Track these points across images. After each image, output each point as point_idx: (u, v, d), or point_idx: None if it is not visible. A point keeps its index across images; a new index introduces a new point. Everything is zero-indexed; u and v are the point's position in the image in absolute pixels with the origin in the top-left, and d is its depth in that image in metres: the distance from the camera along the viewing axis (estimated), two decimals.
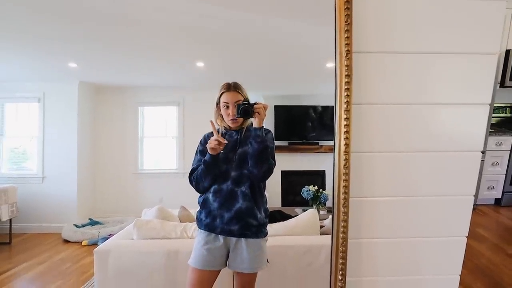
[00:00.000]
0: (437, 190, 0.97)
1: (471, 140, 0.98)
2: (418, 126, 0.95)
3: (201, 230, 1.44)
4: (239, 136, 1.43)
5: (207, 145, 1.33)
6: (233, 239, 1.40)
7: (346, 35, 0.83)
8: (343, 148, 0.86)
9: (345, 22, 0.81)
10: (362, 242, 0.95)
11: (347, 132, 0.86)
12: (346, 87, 0.84)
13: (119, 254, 1.97)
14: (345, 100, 0.86)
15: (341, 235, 0.86)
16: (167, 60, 3.09)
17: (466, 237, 0.98)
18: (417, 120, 0.95)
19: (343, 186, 0.85)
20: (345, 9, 0.82)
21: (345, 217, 0.86)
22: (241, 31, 2.34)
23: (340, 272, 0.88)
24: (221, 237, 1.40)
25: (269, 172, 1.39)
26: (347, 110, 0.86)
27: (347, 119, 0.86)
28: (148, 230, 2.08)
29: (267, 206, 1.51)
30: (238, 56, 2.90)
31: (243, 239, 1.39)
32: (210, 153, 1.34)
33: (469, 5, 0.90)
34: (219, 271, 1.44)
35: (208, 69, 3.24)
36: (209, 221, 1.40)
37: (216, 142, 1.31)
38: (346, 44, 0.83)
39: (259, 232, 1.43)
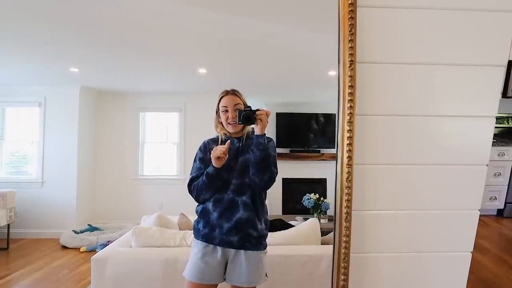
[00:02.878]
0: (441, 204, 0.95)
1: (476, 153, 0.96)
2: (423, 139, 0.93)
3: (198, 241, 1.38)
4: (240, 144, 1.39)
5: (212, 155, 1.28)
6: (232, 251, 1.35)
7: (350, 45, 0.81)
8: (346, 160, 0.84)
9: (349, 32, 0.80)
10: (365, 256, 0.92)
11: (350, 144, 0.84)
12: (349, 98, 0.83)
13: (117, 261, 1.94)
14: (349, 112, 0.84)
15: (343, 250, 0.84)
16: (169, 66, 3.09)
17: (471, 252, 0.96)
18: (421, 132, 0.93)
19: (346, 200, 0.83)
20: (349, 18, 0.81)
21: (347, 232, 0.84)
22: (244, 38, 2.34)
23: None
24: (219, 249, 1.35)
25: (271, 181, 1.34)
26: (350, 122, 0.84)
27: (350, 131, 0.84)
28: (147, 237, 2.05)
29: (268, 217, 1.46)
30: (241, 63, 2.90)
31: (242, 251, 1.34)
32: (214, 165, 1.29)
33: (476, 16, 0.89)
34: (217, 285, 1.38)
35: (210, 75, 3.24)
36: (207, 231, 1.35)
37: (223, 150, 1.25)
38: (350, 54, 0.82)
39: (259, 244, 1.38)
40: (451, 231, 0.96)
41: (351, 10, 0.78)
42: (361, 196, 0.90)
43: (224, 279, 1.39)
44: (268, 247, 2.04)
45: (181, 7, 1.90)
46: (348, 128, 0.84)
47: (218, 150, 1.26)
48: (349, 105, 0.83)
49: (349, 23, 0.80)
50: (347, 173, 0.83)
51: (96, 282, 1.93)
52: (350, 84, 0.83)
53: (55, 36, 2.35)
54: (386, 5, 0.87)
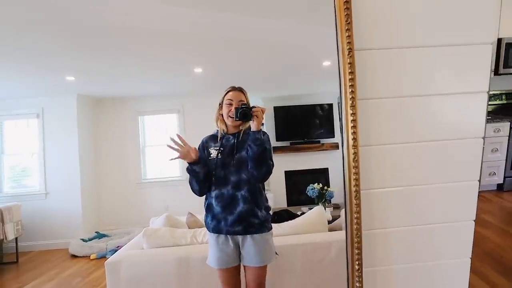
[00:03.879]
0: (443, 177, 1.01)
1: (472, 127, 1.01)
2: (421, 117, 0.98)
3: (210, 233, 1.53)
4: (235, 140, 1.48)
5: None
6: (240, 237, 1.48)
7: (347, 34, 0.86)
8: (351, 142, 0.89)
9: (346, 21, 0.84)
10: (375, 232, 0.97)
11: (354, 127, 0.89)
12: (350, 83, 0.88)
13: (131, 264, 1.97)
14: (350, 96, 0.89)
15: (355, 226, 0.89)
16: (165, 68, 3.09)
17: (474, 220, 1.01)
18: (419, 111, 0.98)
19: (354, 179, 0.88)
20: (344, 9, 0.85)
21: (358, 208, 0.89)
22: (237, 34, 2.35)
23: (357, 262, 0.91)
24: (229, 237, 1.49)
25: (268, 173, 1.45)
26: (353, 106, 0.89)
27: (353, 114, 0.89)
28: (158, 238, 2.08)
29: (268, 204, 1.57)
30: (236, 60, 2.92)
31: (249, 236, 1.47)
32: (186, 161, 1.45)
33: None
34: (238, 265, 1.53)
35: (206, 74, 3.26)
36: (215, 224, 1.49)
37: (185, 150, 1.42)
38: (348, 42, 0.87)
39: (263, 227, 1.49)
40: (453, 202, 1.02)
41: (346, 1, 0.82)
42: (368, 176, 0.95)
43: (240, 261, 1.53)
44: (277, 238, 2.09)
45: (172, 8, 1.91)
46: (351, 111, 0.89)
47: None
48: (350, 90, 0.88)
49: (345, 13, 0.84)
50: (353, 154, 0.89)
51: (111, 286, 1.97)
52: (350, 70, 0.88)
53: (50, 46, 2.35)
54: None
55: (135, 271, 1.97)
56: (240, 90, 1.53)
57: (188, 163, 1.46)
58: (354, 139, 0.89)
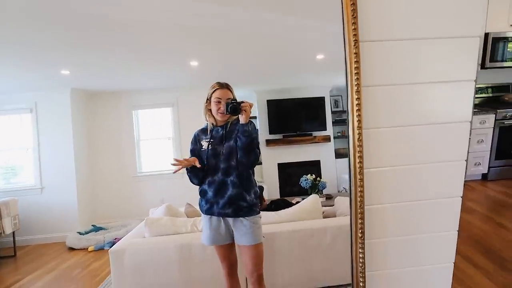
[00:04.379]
0: (434, 157, 1.12)
1: (460, 112, 1.12)
2: (415, 103, 1.09)
3: (204, 215, 1.69)
4: (224, 131, 1.62)
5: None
6: (231, 219, 1.63)
7: (353, 27, 0.96)
8: (356, 124, 1.01)
9: (352, 15, 0.94)
10: (372, 208, 1.08)
11: (358, 110, 1.01)
12: (356, 71, 0.99)
13: (134, 252, 2.04)
14: (356, 83, 1.00)
15: (358, 199, 1.00)
16: (160, 62, 3.11)
17: (461, 197, 1.12)
18: (413, 97, 1.09)
19: (358, 157, 1.00)
20: (351, 4, 0.95)
21: (361, 183, 1.00)
22: (233, 28, 2.39)
23: (360, 231, 1.01)
24: (221, 218, 1.64)
25: (256, 160, 1.61)
26: (358, 91, 1.00)
27: (358, 99, 1.00)
28: (160, 227, 2.15)
29: (257, 188, 1.71)
30: (230, 54, 2.96)
31: (239, 219, 1.61)
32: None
33: None
34: (231, 244, 1.69)
35: (202, 67, 3.28)
36: (208, 207, 1.64)
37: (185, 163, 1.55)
38: (354, 34, 0.97)
39: (251, 211, 1.63)
40: (443, 180, 1.14)
41: None
42: (367, 156, 1.05)
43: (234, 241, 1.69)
44: (275, 225, 2.18)
45: (168, 0, 1.95)
46: (356, 97, 1.01)
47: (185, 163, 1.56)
48: (355, 77, 0.99)
49: (352, 8, 0.94)
50: (358, 134, 1.01)
51: (115, 273, 2.03)
52: (355, 60, 0.99)
53: (44, 39, 2.35)
54: None
55: (138, 258, 2.04)
56: (227, 87, 1.65)
57: (187, 169, 1.61)
58: (359, 121, 1.01)
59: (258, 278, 1.64)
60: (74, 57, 2.81)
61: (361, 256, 1.03)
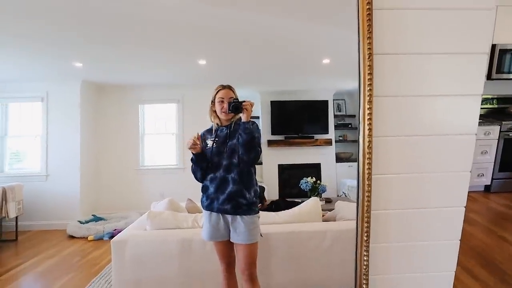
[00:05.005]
0: (440, 167, 1.17)
1: (466, 125, 1.16)
2: (423, 114, 1.14)
3: (204, 210, 1.73)
4: (228, 131, 1.68)
5: (186, 145, 1.62)
6: (229, 216, 1.66)
7: (368, 41, 1.01)
8: (367, 132, 1.07)
9: (368, 30, 0.98)
10: (377, 213, 1.10)
11: (370, 119, 1.06)
12: (369, 82, 1.05)
13: (136, 243, 2.07)
14: (368, 94, 1.06)
15: (366, 203, 1.03)
16: (168, 58, 3.17)
17: (465, 207, 1.14)
18: (422, 109, 1.14)
19: (367, 163, 1.04)
20: (367, 20, 1.00)
21: (369, 188, 1.04)
22: (242, 29, 2.44)
23: (366, 235, 1.04)
24: (220, 215, 1.68)
25: (257, 157, 1.65)
26: (370, 101, 1.06)
27: (370, 108, 1.06)
28: (161, 220, 2.18)
29: (257, 187, 1.75)
30: (238, 54, 2.99)
31: (238, 217, 1.65)
32: (192, 152, 1.65)
33: (463, 14, 1.10)
34: (229, 241, 1.71)
35: (209, 66, 3.32)
36: (209, 203, 1.68)
37: (191, 142, 1.61)
38: (369, 48, 1.02)
39: (250, 209, 1.66)
40: (447, 189, 1.17)
41: (369, 13, 0.95)
42: (375, 163, 1.07)
43: (230, 239, 1.71)
44: (275, 226, 2.19)
45: (183, 0, 1.98)
46: (368, 106, 1.06)
47: (189, 141, 1.62)
48: (368, 88, 1.05)
49: (367, 24, 0.99)
50: (368, 141, 1.07)
51: (116, 263, 2.06)
52: (369, 71, 1.04)
53: (60, 32, 2.41)
54: (395, 6, 1.07)
55: (139, 250, 2.06)
56: (229, 87, 1.73)
57: (194, 154, 1.66)
58: (370, 129, 1.06)
59: (249, 276, 1.67)
60: (88, 50, 2.89)
61: (365, 259, 1.06)
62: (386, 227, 1.11)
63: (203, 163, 1.67)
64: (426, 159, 1.13)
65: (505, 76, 3.89)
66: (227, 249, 1.75)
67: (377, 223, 1.11)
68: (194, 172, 1.71)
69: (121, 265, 2.05)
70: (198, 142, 1.64)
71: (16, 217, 3.43)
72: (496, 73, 3.83)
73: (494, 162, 4.07)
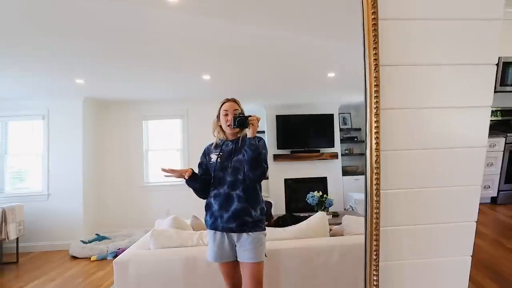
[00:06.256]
0: (450, 181, 1.12)
1: (476, 137, 1.13)
2: (432, 127, 1.11)
3: (209, 230, 1.67)
4: (233, 146, 1.62)
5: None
6: (235, 235, 1.60)
7: (374, 52, 0.99)
8: (374, 146, 1.02)
9: (373, 41, 0.96)
10: (387, 230, 1.06)
11: (377, 132, 1.02)
12: (375, 94, 1.01)
13: (139, 263, 2.02)
14: (375, 106, 1.02)
15: (374, 220, 0.99)
16: (172, 74, 3.16)
17: (476, 222, 1.11)
18: (430, 122, 1.11)
19: (375, 179, 0.99)
20: (373, 30, 0.98)
21: (378, 204, 0.99)
22: (246, 44, 2.44)
23: (375, 253, 0.99)
24: (225, 234, 1.61)
25: (263, 175, 1.59)
26: (377, 114, 1.02)
27: (377, 121, 1.02)
28: (165, 239, 2.13)
29: (264, 205, 1.68)
30: (242, 69, 3.00)
31: (243, 234, 1.59)
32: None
33: (470, 25, 1.08)
34: (235, 262, 1.64)
35: (213, 81, 3.32)
36: (212, 221, 1.62)
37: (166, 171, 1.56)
38: (375, 59, 1.00)
39: (256, 226, 1.60)
40: (457, 204, 1.13)
41: (374, 23, 0.94)
42: (384, 177, 1.04)
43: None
44: (282, 241, 2.15)
45: (184, 15, 1.99)
46: (375, 119, 1.02)
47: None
48: (375, 101, 1.01)
49: (373, 34, 0.97)
50: (375, 156, 1.02)
51: (119, 284, 2.00)
52: (375, 83, 1.01)
53: (61, 49, 2.40)
54: (401, 17, 1.05)
55: (142, 270, 2.01)
56: (234, 100, 1.68)
57: (185, 179, 1.61)
58: (377, 143, 1.02)
59: None
60: (90, 67, 2.88)
61: (375, 278, 1.01)
62: (396, 244, 1.07)
63: (195, 184, 1.63)
64: (435, 173, 1.10)
65: (508, 88, 3.89)
66: (232, 270, 1.67)
67: (386, 240, 1.06)
68: (193, 190, 1.67)
69: (123, 287, 1.99)
70: (171, 174, 1.58)
71: (17, 239, 3.36)
72: (500, 85, 3.83)
73: (500, 174, 4.03)
